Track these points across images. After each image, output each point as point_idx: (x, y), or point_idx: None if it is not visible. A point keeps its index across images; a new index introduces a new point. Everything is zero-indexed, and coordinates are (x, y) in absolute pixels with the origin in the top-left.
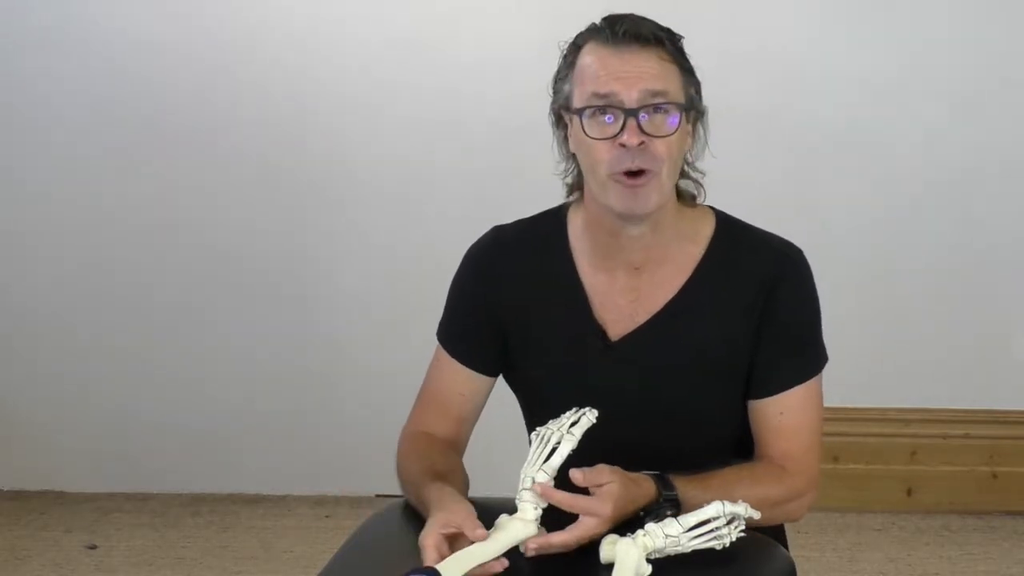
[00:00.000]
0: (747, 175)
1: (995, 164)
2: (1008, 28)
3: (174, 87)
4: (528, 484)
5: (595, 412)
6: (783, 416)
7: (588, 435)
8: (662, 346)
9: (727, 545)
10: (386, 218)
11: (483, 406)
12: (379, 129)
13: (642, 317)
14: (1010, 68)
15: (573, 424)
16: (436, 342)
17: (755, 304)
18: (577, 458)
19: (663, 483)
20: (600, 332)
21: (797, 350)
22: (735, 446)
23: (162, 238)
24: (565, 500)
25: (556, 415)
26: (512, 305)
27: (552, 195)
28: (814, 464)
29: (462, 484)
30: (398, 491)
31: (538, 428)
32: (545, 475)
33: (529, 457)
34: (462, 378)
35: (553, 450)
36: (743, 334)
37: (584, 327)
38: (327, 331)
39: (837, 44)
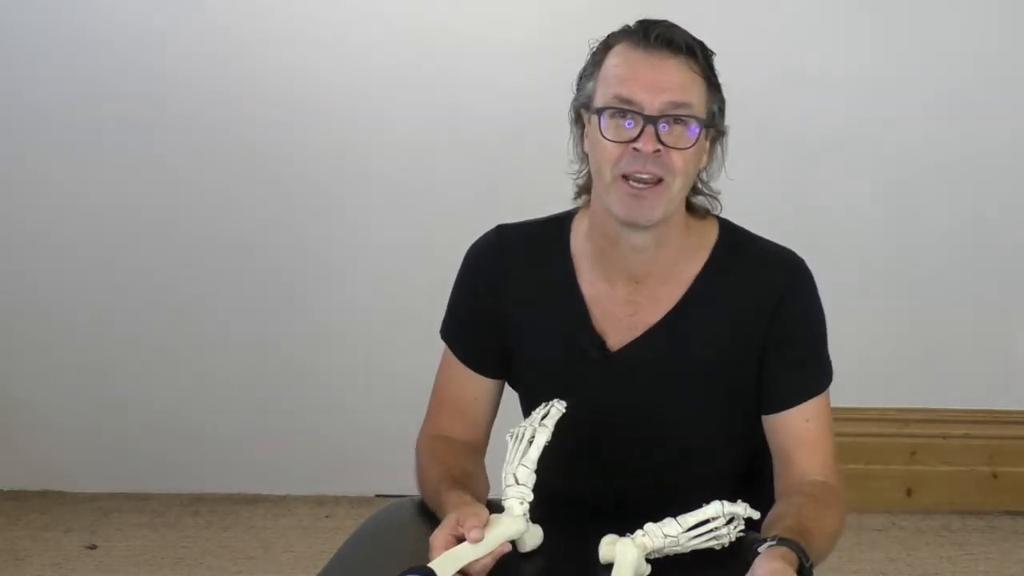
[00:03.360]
0: (746, 176)
1: (995, 164)
2: (1008, 28)
3: (175, 83)
4: (511, 481)
5: (563, 403)
6: (809, 423)
7: (585, 448)
8: (661, 358)
9: (726, 545)
10: (386, 217)
11: (498, 404)
12: (382, 127)
13: (640, 329)
14: (1010, 68)
15: (544, 417)
16: (437, 342)
17: (760, 319)
18: (578, 472)
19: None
20: (599, 342)
21: (809, 362)
22: (729, 462)
23: (163, 237)
24: None
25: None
26: (511, 308)
27: (554, 193)
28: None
29: (481, 489)
30: (398, 491)
31: (511, 429)
32: (526, 468)
33: (508, 456)
34: (471, 381)
35: (530, 445)
36: (747, 348)
37: (583, 337)
38: (328, 331)
39: (837, 44)
